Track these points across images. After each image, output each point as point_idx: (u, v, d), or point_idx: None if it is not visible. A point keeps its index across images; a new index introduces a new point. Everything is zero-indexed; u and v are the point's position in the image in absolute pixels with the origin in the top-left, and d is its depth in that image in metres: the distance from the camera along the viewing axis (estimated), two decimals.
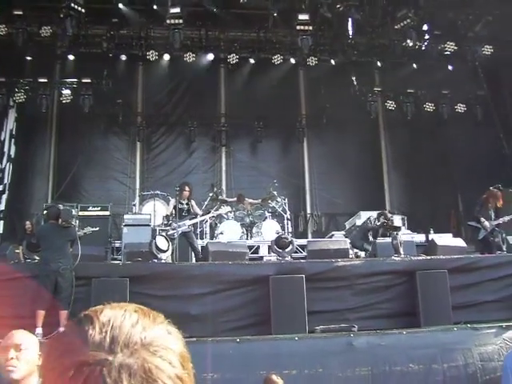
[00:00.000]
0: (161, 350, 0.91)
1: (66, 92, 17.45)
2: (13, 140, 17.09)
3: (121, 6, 16.17)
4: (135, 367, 0.87)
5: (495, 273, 10.58)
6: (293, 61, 18.73)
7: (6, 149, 16.88)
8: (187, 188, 12.36)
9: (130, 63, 18.07)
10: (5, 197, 16.63)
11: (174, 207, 12.17)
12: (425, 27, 17.55)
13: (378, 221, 12.79)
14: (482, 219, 12.28)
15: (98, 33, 17.13)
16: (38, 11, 16.13)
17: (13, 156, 17.06)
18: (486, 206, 12.55)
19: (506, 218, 12.51)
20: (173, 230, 11.73)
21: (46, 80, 17.47)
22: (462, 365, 8.59)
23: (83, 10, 15.44)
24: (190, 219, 12.25)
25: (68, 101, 17.56)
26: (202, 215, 13.35)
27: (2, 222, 16.38)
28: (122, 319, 0.93)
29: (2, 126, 16.90)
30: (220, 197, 16.03)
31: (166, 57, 17.80)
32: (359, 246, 12.87)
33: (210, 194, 15.92)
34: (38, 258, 10.34)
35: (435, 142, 17.95)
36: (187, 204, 12.31)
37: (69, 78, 17.53)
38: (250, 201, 15.83)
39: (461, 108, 19.04)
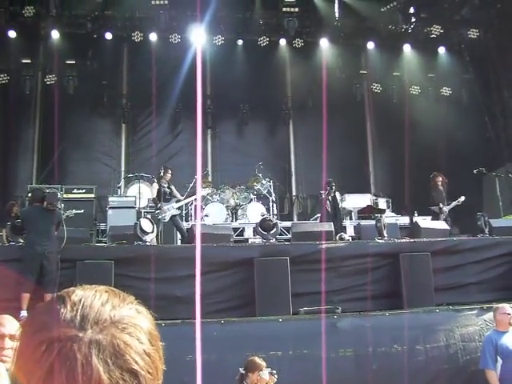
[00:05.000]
0: (129, 327, 0.96)
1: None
2: None
3: None
4: (104, 343, 0.92)
5: (477, 255, 10.70)
6: (279, 42, 18.65)
7: None
8: (170, 171, 12.43)
9: (114, 44, 17.84)
10: None
11: (158, 190, 12.19)
12: (411, 10, 17.54)
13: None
14: (441, 205, 13.33)
15: (82, 13, 16.90)
16: None
17: None
18: (438, 190, 13.55)
19: (454, 203, 13.69)
20: (164, 213, 11.77)
21: (29, 61, 17.29)
22: (444, 345, 8.73)
23: None
24: (176, 202, 12.29)
25: (52, 82, 17.37)
26: (187, 197, 13.38)
27: None
28: (93, 298, 0.98)
29: None
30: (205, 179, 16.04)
31: (152, 37, 17.64)
32: None
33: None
34: (22, 240, 10.27)
35: (420, 126, 17.96)
36: (169, 188, 12.34)
37: (53, 59, 17.32)
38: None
39: (446, 91, 19.10)
